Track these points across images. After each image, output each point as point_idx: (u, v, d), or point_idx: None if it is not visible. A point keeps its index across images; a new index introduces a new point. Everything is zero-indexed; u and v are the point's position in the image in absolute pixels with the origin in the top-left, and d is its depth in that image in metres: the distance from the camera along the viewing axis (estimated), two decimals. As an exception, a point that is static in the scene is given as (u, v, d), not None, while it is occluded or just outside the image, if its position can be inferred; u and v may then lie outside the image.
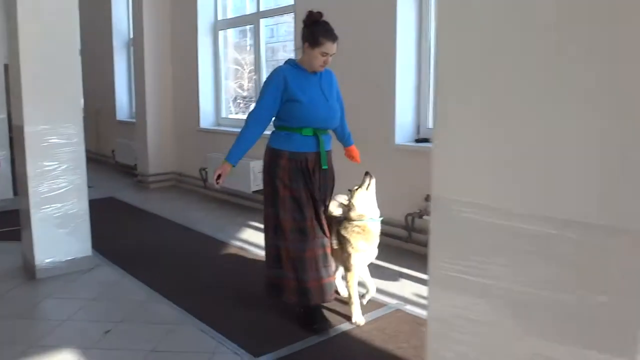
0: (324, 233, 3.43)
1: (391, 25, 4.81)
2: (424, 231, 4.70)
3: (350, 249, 3.43)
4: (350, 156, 3.81)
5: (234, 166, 3.44)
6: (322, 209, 3.48)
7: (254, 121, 3.38)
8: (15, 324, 3.44)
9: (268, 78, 3.41)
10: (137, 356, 2.99)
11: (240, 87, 8.22)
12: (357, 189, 3.49)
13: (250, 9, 7.09)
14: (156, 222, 6.10)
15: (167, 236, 5.52)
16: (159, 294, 3.86)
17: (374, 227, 3.47)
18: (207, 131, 7.52)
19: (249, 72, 7.54)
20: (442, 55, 1.17)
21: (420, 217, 4.68)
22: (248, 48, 7.43)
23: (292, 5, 5.95)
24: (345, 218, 3.49)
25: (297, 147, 3.37)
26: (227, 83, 7.81)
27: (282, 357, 3.02)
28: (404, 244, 4.87)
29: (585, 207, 0.98)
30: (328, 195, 3.55)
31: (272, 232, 3.43)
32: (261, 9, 6.72)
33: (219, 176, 3.41)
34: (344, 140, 3.77)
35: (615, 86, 0.94)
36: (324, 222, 3.45)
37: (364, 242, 3.43)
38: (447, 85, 1.16)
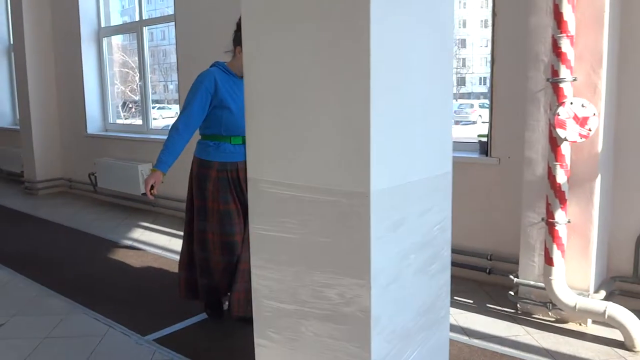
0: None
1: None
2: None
3: None
4: None
5: (164, 174, 3.24)
6: None
7: (184, 126, 3.20)
8: None
9: (197, 81, 3.22)
10: (33, 343, 3.26)
11: (132, 91, 8.37)
12: None
13: (136, 15, 7.31)
14: (46, 227, 6.21)
15: (57, 239, 5.69)
16: (50, 290, 4.09)
17: None
18: (94, 136, 7.65)
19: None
20: (247, 77, 1.62)
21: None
22: (146, 51, 7.64)
23: (172, 15, 6.27)
24: None
25: (226, 157, 3.27)
26: (114, 89, 7.97)
27: (167, 335, 3.40)
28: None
29: (335, 179, 1.47)
30: None
31: (199, 245, 3.36)
32: (144, 17, 6.97)
33: (152, 187, 3.20)
34: None
35: (347, 96, 1.43)
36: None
37: None
38: (253, 96, 1.61)
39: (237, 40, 3.20)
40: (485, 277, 4.13)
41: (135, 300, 3.95)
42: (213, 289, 3.43)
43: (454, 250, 4.18)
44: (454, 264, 4.19)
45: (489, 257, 4.11)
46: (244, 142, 3.22)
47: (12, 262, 4.77)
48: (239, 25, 3.16)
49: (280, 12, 1.52)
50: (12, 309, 3.76)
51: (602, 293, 3.37)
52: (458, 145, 4.58)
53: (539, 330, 3.38)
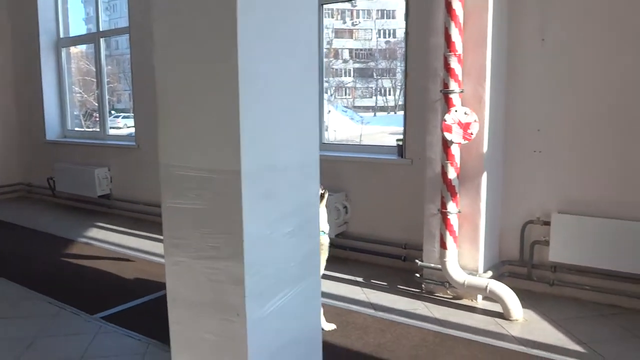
0: None
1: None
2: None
3: None
4: None
5: None
6: None
7: None
8: None
9: None
10: (-11, 322, 3.69)
11: (96, 99, 8.72)
12: None
13: (94, 27, 7.67)
14: (6, 227, 6.59)
15: (17, 238, 6.08)
16: (8, 280, 4.50)
17: (326, 241, 3.48)
18: (53, 143, 8.02)
19: (107, 83, 8.10)
20: (158, 84, 2.13)
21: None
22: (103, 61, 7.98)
23: (127, 27, 6.73)
24: None
25: None
26: (73, 96, 8.35)
27: (113, 313, 3.86)
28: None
29: (218, 161, 1.98)
30: None
31: None
32: (101, 29, 7.38)
33: None
34: None
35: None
36: None
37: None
38: (162, 99, 2.12)
39: None
40: (401, 263, 4.69)
41: (87, 286, 4.41)
42: None
43: (375, 241, 4.81)
44: (374, 253, 4.82)
45: (403, 246, 4.67)
46: None
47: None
48: None
49: (180, 35, 2.04)
50: (-30, 295, 4.19)
51: (489, 273, 3.95)
52: (381, 149, 5.16)
53: (437, 305, 3.95)
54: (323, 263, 3.44)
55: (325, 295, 4.06)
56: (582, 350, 3.34)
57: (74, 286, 4.42)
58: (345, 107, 18.36)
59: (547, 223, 3.99)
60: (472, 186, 3.94)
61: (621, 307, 3.87)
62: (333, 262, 4.87)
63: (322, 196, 3.37)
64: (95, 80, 7.56)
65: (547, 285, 4.07)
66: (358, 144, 7.01)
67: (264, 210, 2.02)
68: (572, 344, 3.41)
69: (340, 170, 5.10)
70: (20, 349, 3.30)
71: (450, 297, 4.08)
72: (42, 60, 7.90)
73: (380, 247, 4.86)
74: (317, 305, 2.35)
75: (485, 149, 3.86)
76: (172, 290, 2.20)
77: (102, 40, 7.38)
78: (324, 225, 3.48)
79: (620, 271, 3.83)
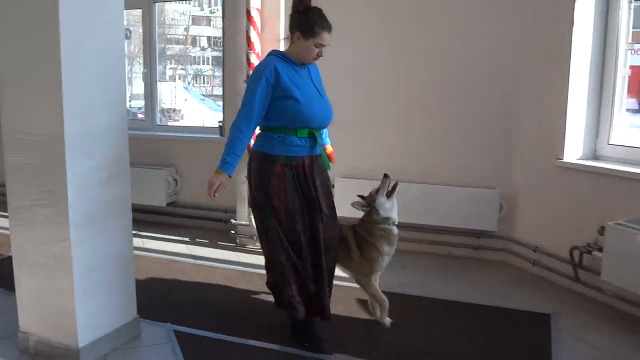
0: (320, 245, 3.09)
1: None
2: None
3: (375, 254, 3.33)
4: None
5: (230, 176, 3.02)
6: (324, 217, 3.13)
7: (247, 124, 3.01)
8: None
9: (256, 72, 3.01)
10: None
11: None
12: (377, 192, 3.37)
13: None
14: None
15: None
16: None
17: (395, 232, 3.40)
18: None
19: None
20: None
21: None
22: None
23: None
24: (367, 221, 3.39)
25: (293, 151, 3.02)
26: None
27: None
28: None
29: (48, 127, 2.74)
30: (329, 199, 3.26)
31: (267, 243, 3.14)
32: None
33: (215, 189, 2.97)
34: (321, 138, 3.23)
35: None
36: (320, 233, 3.09)
37: (389, 247, 3.35)
38: (2, 77, 2.83)
39: (296, 25, 3.02)
40: (223, 225, 5.59)
41: None
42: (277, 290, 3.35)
43: (201, 208, 5.67)
44: (201, 218, 5.68)
45: (225, 211, 5.57)
46: (310, 135, 3.08)
47: None
48: (296, 9, 3.02)
49: (11, 26, 2.77)
50: None
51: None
52: (206, 129, 6.04)
53: (246, 254, 4.92)
54: (391, 254, 3.42)
55: (153, 251, 4.91)
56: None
57: None
58: (203, 95, 18.34)
59: (334, 186, 5.08)
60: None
61: (408, 251, 4.97)
62: (163, 227, 5.70)
63: (394, 187, 3.40)
64: None
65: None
66: (187, 125, 7.81)
67: (82, 163, 2.79)
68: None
69: (171, 148, 5.91)
70: None
71: (259, 247, 5.02)
72: None
73: (206, 213, 5.74)
74: (128, 234, 3.15)
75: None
76: (14, 229, 2.92)
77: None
78: (395, 217, 3.42)
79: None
